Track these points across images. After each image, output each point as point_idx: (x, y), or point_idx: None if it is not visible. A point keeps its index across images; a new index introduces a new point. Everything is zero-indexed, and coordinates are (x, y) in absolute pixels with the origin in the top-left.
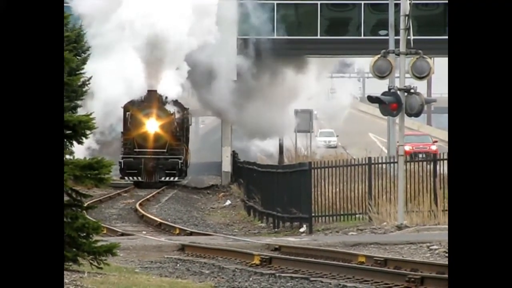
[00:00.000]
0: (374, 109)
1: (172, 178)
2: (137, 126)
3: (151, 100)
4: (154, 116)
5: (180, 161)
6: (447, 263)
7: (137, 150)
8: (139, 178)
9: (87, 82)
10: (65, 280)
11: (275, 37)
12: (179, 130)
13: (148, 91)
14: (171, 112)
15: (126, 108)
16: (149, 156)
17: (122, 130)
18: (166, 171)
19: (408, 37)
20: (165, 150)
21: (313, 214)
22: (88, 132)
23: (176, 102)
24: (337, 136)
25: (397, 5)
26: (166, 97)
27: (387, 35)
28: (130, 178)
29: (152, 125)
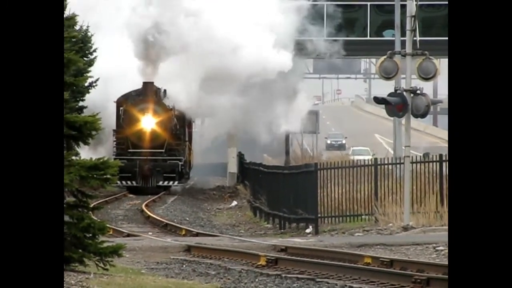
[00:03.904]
0: (380, 110)
1: (171, 183)
2: (132, 123)
3: (147, 93)
4: (150, 111)
5: (180, 163)
6: None
7: (131, 150)
8: (134, 182)
9: (94, 84)
10: (71, 281)
11: None
12: (180, 128)
13: (144, 83)
14: (170, 107)
15: (119, 103)
16: (145, 157)
17: (114, 128)
18: (164, 175)
19: (415, 38)
20: (163, 150)
21: (319, 215)
22: (94, 132)
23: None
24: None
25: (403, 6)
26: (165, 90)
27: (393, 36)
28: (123, 182)
29: (148, 122)
